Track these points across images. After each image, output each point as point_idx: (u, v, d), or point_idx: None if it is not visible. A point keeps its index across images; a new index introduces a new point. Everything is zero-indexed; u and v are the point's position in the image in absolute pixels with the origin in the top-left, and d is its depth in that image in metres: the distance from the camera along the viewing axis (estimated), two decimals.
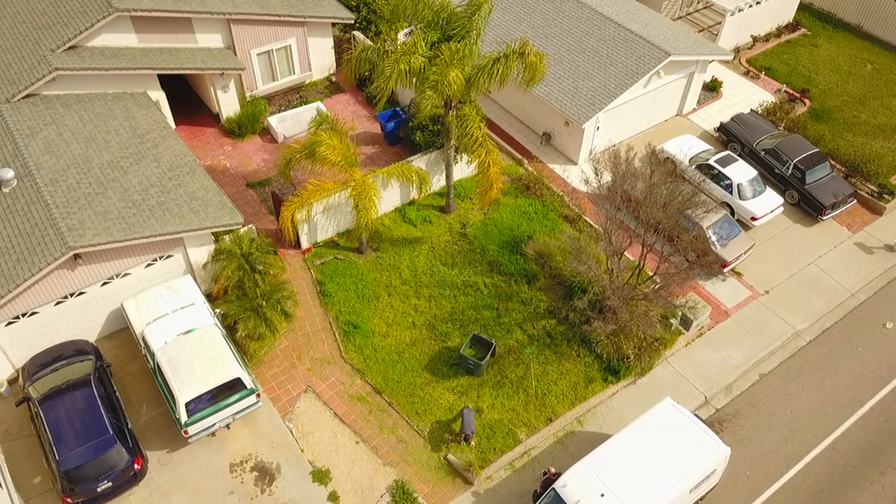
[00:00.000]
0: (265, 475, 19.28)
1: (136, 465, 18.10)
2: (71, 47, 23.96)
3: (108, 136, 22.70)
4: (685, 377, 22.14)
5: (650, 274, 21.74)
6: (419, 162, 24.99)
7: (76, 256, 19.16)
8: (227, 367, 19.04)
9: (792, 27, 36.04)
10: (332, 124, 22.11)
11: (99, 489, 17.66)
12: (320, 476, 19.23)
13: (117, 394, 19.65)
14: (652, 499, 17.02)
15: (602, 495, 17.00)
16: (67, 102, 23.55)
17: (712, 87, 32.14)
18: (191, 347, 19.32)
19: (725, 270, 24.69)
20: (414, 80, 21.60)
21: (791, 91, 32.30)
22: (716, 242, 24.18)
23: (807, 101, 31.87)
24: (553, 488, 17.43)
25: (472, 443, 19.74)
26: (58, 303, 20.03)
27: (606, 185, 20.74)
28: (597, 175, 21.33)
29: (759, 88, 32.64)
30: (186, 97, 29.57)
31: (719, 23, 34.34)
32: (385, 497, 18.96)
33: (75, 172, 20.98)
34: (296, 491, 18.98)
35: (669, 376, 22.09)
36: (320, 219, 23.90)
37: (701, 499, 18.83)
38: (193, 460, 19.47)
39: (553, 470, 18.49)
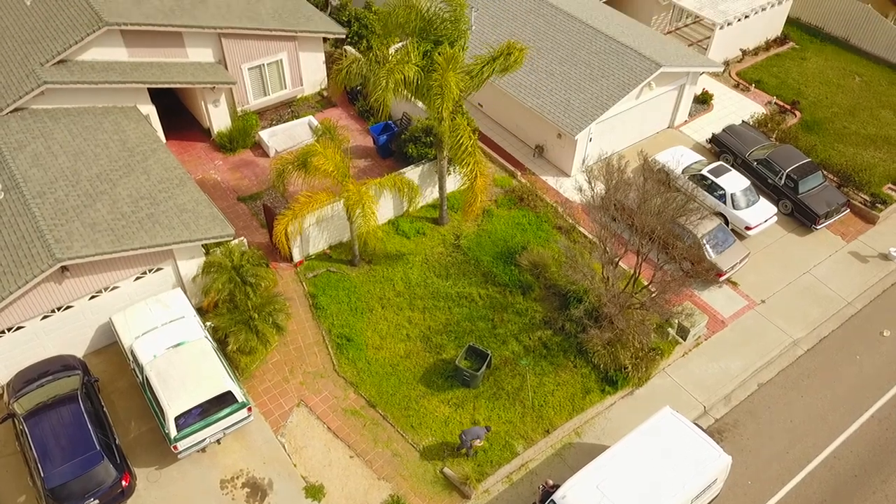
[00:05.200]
0: (257, 491, 18.80)
1: (123, 482, 17.61)
2: (60, 61, 23.78)
3: (97, 150, 22.46)
4: (683, 387, 21.86)
5: (645, 284, 21.55)
6: (412, 174, 24.84)
7: (63, 269, 18.81)
8: (218, 380, 18.64)
9: (780, 41, 36.34)
10: (333, 132, 21.96)
11: None
12: (313, 492, 18.77)
13: (105, 409, 19.20)
14: None
15: None
16: (56, 116, 23.33)
17: (703, 100, 32.25)
18: (180, 361, 18.92)
19: (721, 280, 24.54)
20: (406, 92, 21.57)
21: (781, 103, 32.46)
22: (711, 252, 24.04)
23: (797, 112, 32.03)
24: (552, 500, 17.05)
25: (480, 444, 19.20)
26: (44, 317, 19.64)
27: (600, 195, 20.58)
28: (590, 184, 21.20)
29: (750, 101, 32.79)
30: (177, 112, 29.39)
31: (708, 37, 34.62)
32: None
33: (63, 185, 20.69)
34: None
35: (667, 387, 21.80)
36: (312, 231, 23.65)
37: None
38: (183, 477, 18.98)
39: (551, 482, 18.10)
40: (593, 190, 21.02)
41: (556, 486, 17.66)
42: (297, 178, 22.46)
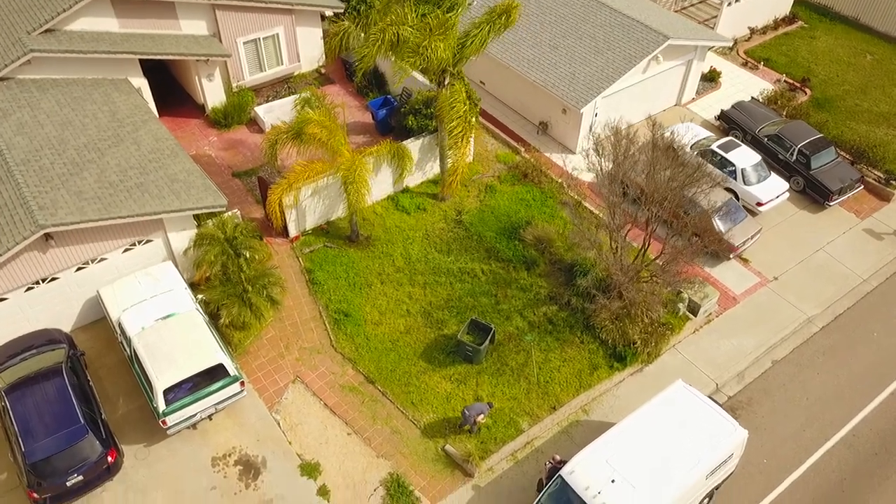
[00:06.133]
0: (250, 469, 17.96)
1: (109, 459, 16.76)
2: (48, 30, 22.98)
3: (86, 120, 21.65)
4: (694, 364, 21.01)
5: (653, 257, 20.69)
6: (412, 146, 24.00)
7: (47, 237, 17.97)
8: (209, 353, 17.81)
9: (789, 20, 35.53)
10: (320, 100, 21.11)
11: (69, 483, 16.29)
12: (309, 469, 17.93)
13: (91, 384, 18.38)
14: (666, 485, 15.80)
15: (613, 481, 15.77)
16: (44, 86, 22.53)
17: (711, 78, 31.42)
18: (170, 333, 18.09)
19: (733, 255, 23.69)
20: (399, 54, 20.83)
21: (791, 81, 31.62)
22: (721, 226, 23.18)
23: (807, 90, 31.19)
24: (559, 475, 16.19)
25: (483, 420, 18.36)
26: (29, 288, 18.81)
27: (608, 162, 19.75)
28: (597, 151, 20.35)
29: (759, 79, 31.96)
30: (171, 89, 28.63)
31: (715, 16, 33.79)
32: (379, 491, 17.65)
33: (49, 153, 19.89)
34: (283, 485, 17.66)
35: (678, 364, 20.95)
36: (309, 205, 22.82)
37: (717, 487, 17.60)
38: (173, 455, 18.14)
39: (558, 458, 17.25)
40: (600, 157, 20.17)
41: (563, 462, 16.79)
42: (291, 149, 21.65)
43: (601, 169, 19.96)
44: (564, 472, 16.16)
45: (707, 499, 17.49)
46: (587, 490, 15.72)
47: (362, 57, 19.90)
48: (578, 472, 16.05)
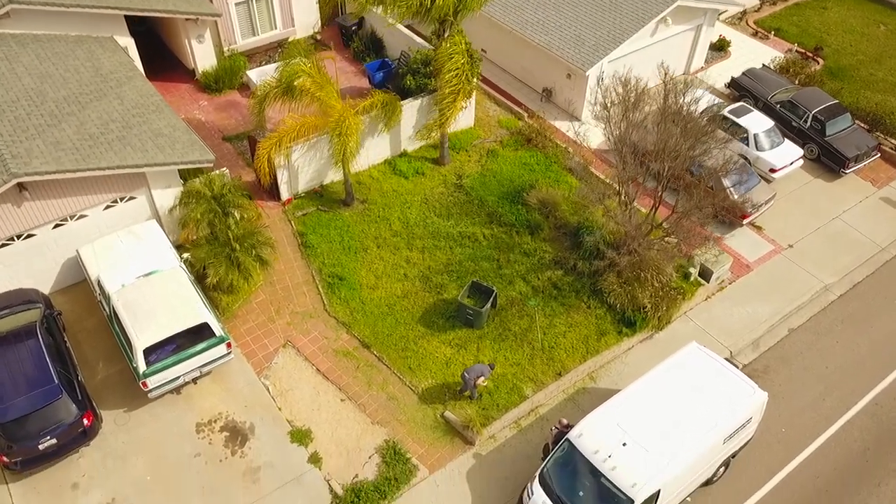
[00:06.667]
0: (237, 435, 16.88)
1: (85, 421, 15.67)
2: None
3: (67, 74, 20.56)
4: (707, 332, 19.95)
5: (661, 222, 19.65)
6: (409, 107, 22.94)
7: (21, 187, 16.89)
8: (194, 311, 16.73)
9: None
10: (305, 53, 20.04)
11: (41, 446, 15.21)
12: (300, 436, 16.85)
13: (68, 344, 17.32)
14: (681, 448, 14.73)
15: (624, 444, 14.70)
16: (24, 41, 21.43)
17: (720, 47, 30.36)
18: (152, 290, 17.01)
19: (745, 222, 22.64)
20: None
21: (803, 50, 30.55)
22: (733, 192, 22.12)
23: (820, 59, 30.12)
24: (567, 439, 15.13)
25: (484, 383, 17.28)
26: (2, 245, 17.72)
27: (619, 108, 18.70)
28: (605, 104, 19.27)
29: (769, 48, 30.87)
30: (160, 54, 27.52)
31: None
32: (374, 458, 16.57)
33: (26, 104, 18.81)
34: (272, 452, 16.58)
35: (689, 331, 19.87)
36: (301, 165, 21.74)
37: (733, 455, 16.52)
38: (155, 420, 17.06)
39: (565, 421, 16.17)
40: (609, 111, 19.09)
41: (570, 426, 15.73)
42: (281, 107, 20.56)
43: (610, 120, 18.87)
44: (572, 435, 15.10)
45: (723, 467, 16.43)
46: (596, 454, 14.67)
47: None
48: (587, 435, 14.99)
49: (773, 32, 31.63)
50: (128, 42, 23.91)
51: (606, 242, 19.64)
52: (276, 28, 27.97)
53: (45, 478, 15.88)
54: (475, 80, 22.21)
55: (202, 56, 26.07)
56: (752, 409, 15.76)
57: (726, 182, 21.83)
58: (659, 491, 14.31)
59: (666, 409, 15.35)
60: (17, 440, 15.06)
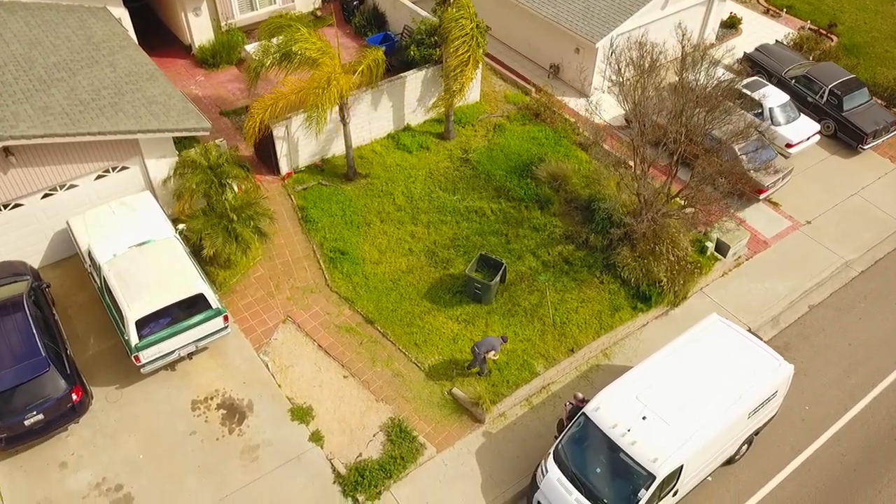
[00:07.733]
0: (234, 413, 16.06)
1: (74, 397, 14.85)
2: None
3: (58, 41, 19.74)
4: (725, 308, 19.14)
5: (676, 193, 18.83)
6: (413, 78, 22.11)
7: (7, 152, 16.07)
8: (189, 282, 15.90)
9: None
10: (293, 18, 19.21)
11: (27, 422, 14.38)
12: (301, 414, 16.03)
13: (57, 318, 16.51)
14: (704, 422, 13.91)
15: (644, 418, 13.89)
16: (12, 9, 20.60)
17: (731, 24, 29.57)
18: (145, 261, 16.19)
19: (762, 197, 21.84)
20: None
21: (816, 28, 29.75)
22: (748, 165, 21.27)
23: (833, 36, 29.33)
24: (583, 412, 14.32)
25: (495, 357, 16.38)
26: None
27: (633, 71, 17.90)
28: (617, 68, 18.45)
29: (781, 26, 30.12)
30: (156, 30, 26.71)
31: None
32: (378, 436, 15.75)
33: (13, 69, 18.00)
34: (271, 430, 15.76)
35: (706, 307, 19.05)
36: (301, 138, 20.91)
37: (756, 433, 15.71)
38: (148, 397, 16.23)
39: (581, 395, 15.34)
40: (622, 75, 18.28)
41: (586, 400, 14.90)
42: (278, 75, 19.70)
43: (623, 84, 18.06)
44: (589, 409, 14.29)
45: (746, 445, 15.61)
46: (615, 428, 13.86)
47: None
48: (604, 409, 14.18)
49: (784, 10, 30.84)
50: (121, 13, 23.08)
51: (621, 212, 18.81)
52: (275, 3, 27.16)
53: (32, 456, 15.06)
54: (481, 51, 21.41)
55: (199, 30, 25.27)
56: (777, 382, 14.96)
57: (744, 159, 20.99)
58: (682, 466, 13.50)
59: (687, 381, 14.55)
60: (2, 415, 14.24)
